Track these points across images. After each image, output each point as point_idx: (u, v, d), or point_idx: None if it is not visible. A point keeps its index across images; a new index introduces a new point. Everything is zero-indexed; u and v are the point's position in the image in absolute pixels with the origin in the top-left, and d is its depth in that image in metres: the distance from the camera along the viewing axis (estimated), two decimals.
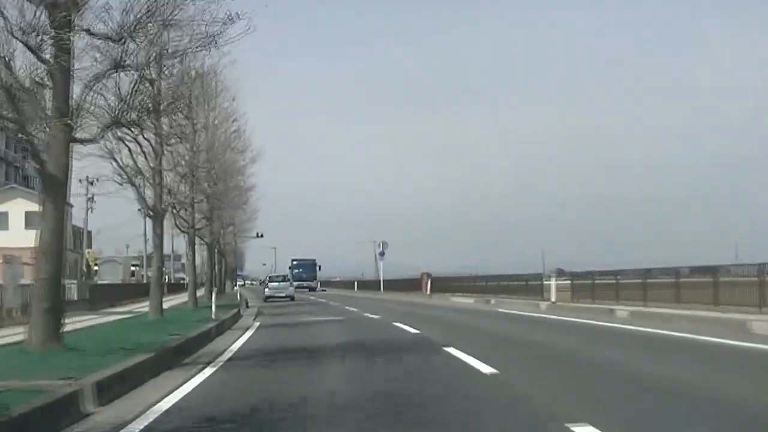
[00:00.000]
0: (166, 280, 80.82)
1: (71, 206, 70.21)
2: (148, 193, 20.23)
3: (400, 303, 37.06)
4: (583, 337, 15.35)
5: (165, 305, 31.25)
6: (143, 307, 34.61)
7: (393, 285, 60.83)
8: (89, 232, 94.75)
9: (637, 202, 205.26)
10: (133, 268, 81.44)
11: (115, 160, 18.18)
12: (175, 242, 65.17)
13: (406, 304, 34.71)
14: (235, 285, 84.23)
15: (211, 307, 27.51)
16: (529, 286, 35.28)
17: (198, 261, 50.67)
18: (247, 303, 36.46)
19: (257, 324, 21.90)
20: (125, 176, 18.27)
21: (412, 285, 56.93)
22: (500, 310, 26.41)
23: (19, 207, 52.19)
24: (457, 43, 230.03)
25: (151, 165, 18.53)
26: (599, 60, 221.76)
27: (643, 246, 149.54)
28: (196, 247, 32.62)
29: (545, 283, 31.71)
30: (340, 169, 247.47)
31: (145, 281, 77.97)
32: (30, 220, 52.06)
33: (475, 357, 10.85)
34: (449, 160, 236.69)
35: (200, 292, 41.01)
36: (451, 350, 12.10)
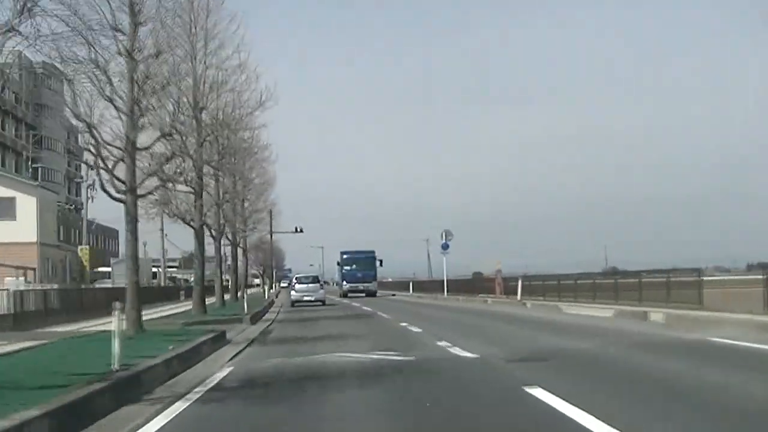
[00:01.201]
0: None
1: (57, 193, 60.01)
2: None
3: (488, 316, 24.32)
4: None
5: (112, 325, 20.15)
6: (106, 323, 23.51)
7: (456, 286, 48.43)
8: (115, 230, 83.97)
9: (637, 202, 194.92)
10: (154, 269, 71.01)
11: None
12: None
13: (500, 320, 22.17)
14: (272, 287, 73.30)
15: (172, 330, 16.40)
16: (671, 283, 23.30)
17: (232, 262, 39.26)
18: (254, 316, 24.47)
19: (221, 375, 10.29)
20: None
21: (478, 286, 44.82)
22: (712, 339, 13.79)
23: None
24: (458, 44, 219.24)
25: None
26: (599, 60, 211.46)
27: (644, 246, 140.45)
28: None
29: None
30: (341, 169, 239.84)
31: (163, 284, 67.26)
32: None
33: None
34: (448, 160, 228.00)
35: (209, 300, 30.32)
36: None
